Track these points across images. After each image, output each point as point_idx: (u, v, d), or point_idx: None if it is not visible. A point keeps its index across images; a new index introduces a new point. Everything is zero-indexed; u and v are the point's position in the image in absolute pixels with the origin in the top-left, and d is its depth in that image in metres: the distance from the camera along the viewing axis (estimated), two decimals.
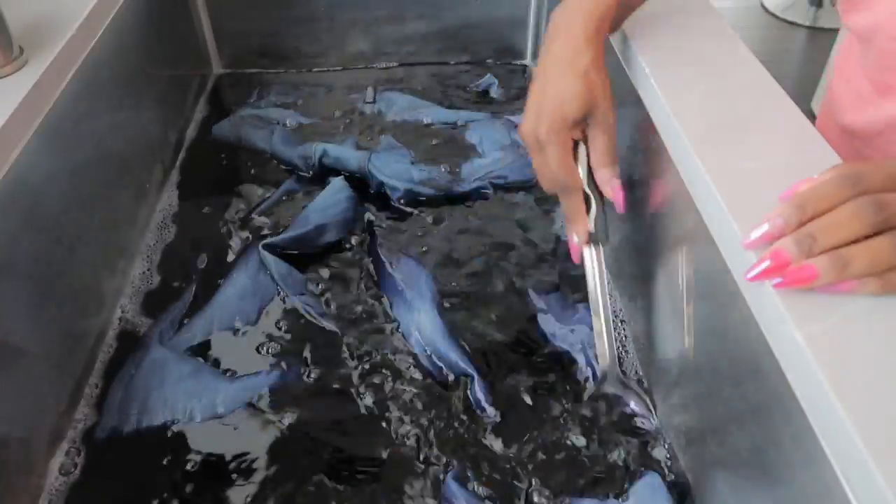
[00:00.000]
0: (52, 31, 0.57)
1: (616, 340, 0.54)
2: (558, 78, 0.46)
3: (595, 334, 0.52)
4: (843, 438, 0.28)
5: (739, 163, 0.41)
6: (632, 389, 0.53)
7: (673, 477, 0.49)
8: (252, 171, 0.79)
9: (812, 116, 0.50)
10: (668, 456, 0.50)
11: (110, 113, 0.65)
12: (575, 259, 0.50)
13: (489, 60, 0.99)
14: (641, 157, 0.54)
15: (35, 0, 0.61)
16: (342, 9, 0.94)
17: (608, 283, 0.50)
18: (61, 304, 0.54)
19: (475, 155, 0.80)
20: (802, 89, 1.85)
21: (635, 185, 0.56)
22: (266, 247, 0.66)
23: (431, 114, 0.87)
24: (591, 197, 0.48)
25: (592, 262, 0.50)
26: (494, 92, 0.92)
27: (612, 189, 0.48)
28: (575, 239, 0.49)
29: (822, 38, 2.20)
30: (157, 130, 0.77)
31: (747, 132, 0.44)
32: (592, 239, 0.49)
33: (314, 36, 0.96)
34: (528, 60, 1.00)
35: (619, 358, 0.55)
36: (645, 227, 0.55)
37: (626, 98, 0.55)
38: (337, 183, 0.73)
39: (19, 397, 0.48)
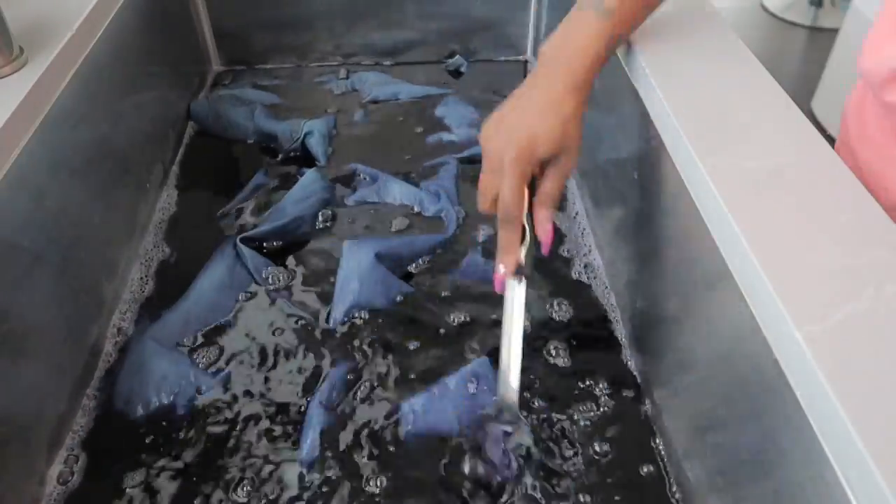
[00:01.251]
0: (52, 31, 0.57)
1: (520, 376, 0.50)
2: (540, 116, 0.46)
3: (501, 366, 0.49)
4: (843, 438, 0.28)
5: (739, 163, 0.41)
6: (523, 426, 0.50)
7: (673, 479, 0.49)
8: (249, 165, 0.79)
9: (812, 116, 0.49)
10: (667, 456, 0.50)
11: (110, 112, 0.64)
12: (497, 288, 0.49)
13: (489, 58, 0.99)
14: (641, 157, 0.54)
15: (35, 0, 0.61)
16: (341, 6, 0.94)
17: (524, 317, 0.49)
18: (62, 304, 0.53)
19: (442, 129, 0.84)
20: (802, 89, 1.85)
21: (635, 186, 0.56)
22: (243, 240, 0.66)
23: (403, 90, 0.91)
24: (526, 231, 0.47)
25: (513, 294, 0.49)
26: (464, 69, 0.97)
27: (545, 231, 0.48)
28: (501, 269, 0.48)
29: (822, 38, 2.20)
30: (157, 129, 0.77)
31: (747, 132, 0.44)
32: (519, 271, 0.48)
33: (313, 33, 0.96)
34: (528, 56, 1.00)
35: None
36: (644, 227, 0.55)
37: (626, 98, 0.55)
38: (310, 175, 0.74)
39: (17, 402, 0.47)
